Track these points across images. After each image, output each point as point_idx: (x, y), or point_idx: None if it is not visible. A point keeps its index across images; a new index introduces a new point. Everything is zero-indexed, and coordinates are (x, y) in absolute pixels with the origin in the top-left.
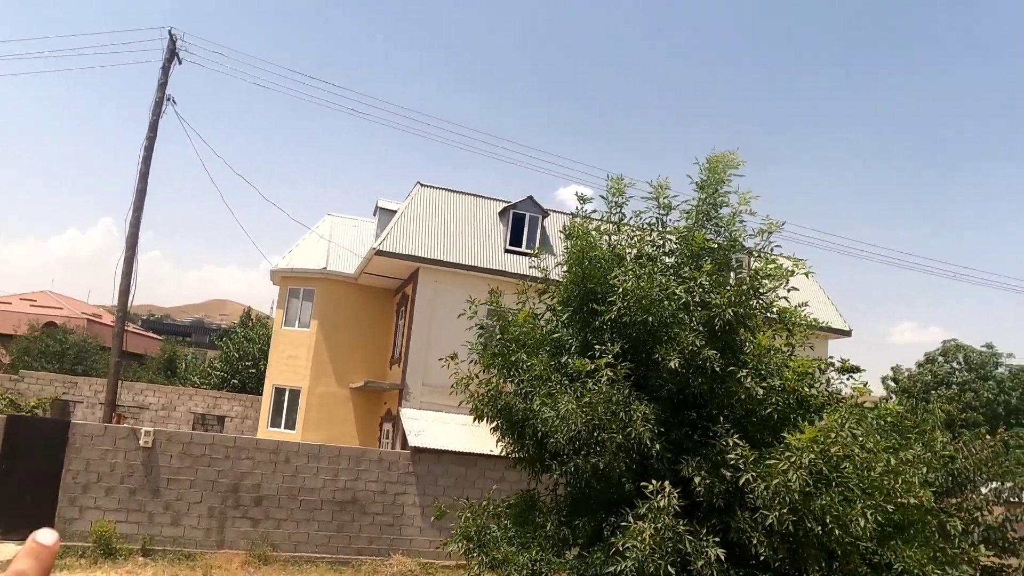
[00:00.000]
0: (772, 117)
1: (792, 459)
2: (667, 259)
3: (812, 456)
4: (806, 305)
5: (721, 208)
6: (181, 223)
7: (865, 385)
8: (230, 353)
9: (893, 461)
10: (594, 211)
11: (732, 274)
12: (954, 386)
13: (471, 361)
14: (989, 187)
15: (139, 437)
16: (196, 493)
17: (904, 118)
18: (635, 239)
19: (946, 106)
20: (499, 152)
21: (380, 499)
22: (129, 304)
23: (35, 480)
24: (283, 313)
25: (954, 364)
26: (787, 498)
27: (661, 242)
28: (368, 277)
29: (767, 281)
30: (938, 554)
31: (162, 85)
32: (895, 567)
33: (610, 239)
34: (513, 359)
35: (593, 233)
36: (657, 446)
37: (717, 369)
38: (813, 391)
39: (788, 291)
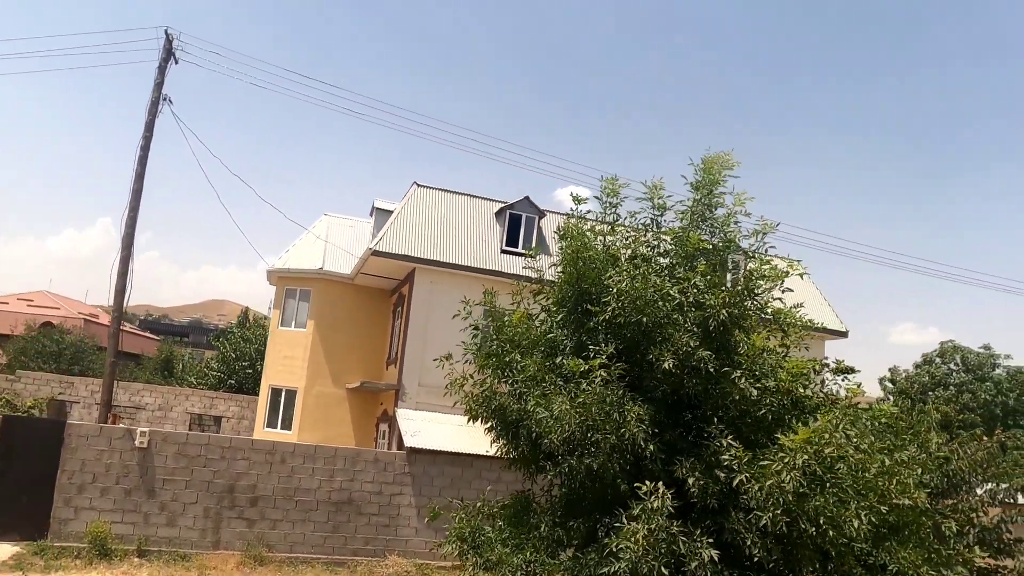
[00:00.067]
0: (772, 117)
1: (786, 460)
2: (662, 260)
3: (806, 457)
4: (801, 306)
5: (716, 209)
6: (180, 223)
7: (859, 386)
8: (227, 353)
9: (888, 462)
10: (588, 211)
11: (728, 275)
12: (951, 387)
13: (466, 361)
14: (988, 188)
15: (135, 437)
16: (192, 494)
17: (903, 119)
18: (630, 240)
19: (945, 107)
20: (497, 153)
21: (376, 500)
22: (125, 304)
23: (31, 480)
24: (279, 313)
25: (951, 365)
26: (781, 499)
27: (656, 243)
28: (364, 277)
29: (762, 282)
30: (933, 555)
31: (158, 85)
32: (890, 568)
33: (605, 240)
34: (507, 360)
35: (588, 234)
36: (651, 447)
37: (711, 370)
38: (808, 392)
39: (783, 292)
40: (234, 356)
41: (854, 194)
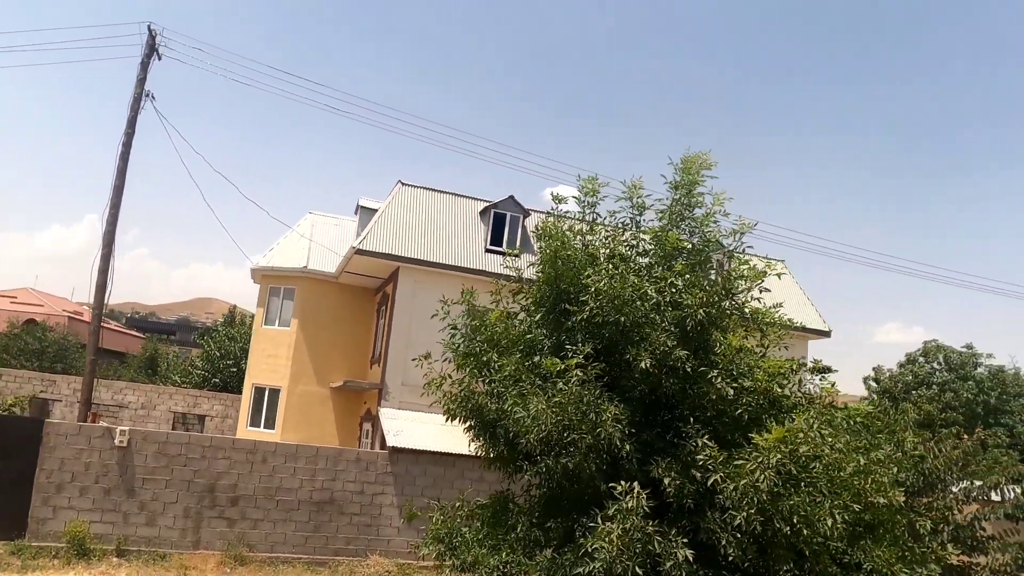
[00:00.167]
0: (762, 119)
1: (760, 459)
2: (641, 259)
3: (779, 456)
4: (780, 306)
5: (695, 208)
6: (168, 221)
7: (833, 385)
8: (211, 352)
9: (863, 461)
10: (567, 212)
11: (713, 274)
12: (934, 386)
13: (445, 360)
14: (975, 190)
15: (114, 436)
16: (172, 493)
17: (892, 121)
18: (609, 239)
19: (934, 110)
20: (485, 152)
21: (358, 499)
22: (106, 301)
23: (8, 480)
24: (263, 312)
25: (934, 364)
26: (755, 498)
27: (635, 242)
28: (349, 276)
29: (740, 282)
30: (907, 553)
31: (140, 81)
32: (864, 567)
33: (584, 239)
34: (485, 359)
35: (567, 233)
36: (627, 447)
37: (688, 370)
38: (785, 392)
39: (761, 292)
40: (219, 354)
41: (844, 195)
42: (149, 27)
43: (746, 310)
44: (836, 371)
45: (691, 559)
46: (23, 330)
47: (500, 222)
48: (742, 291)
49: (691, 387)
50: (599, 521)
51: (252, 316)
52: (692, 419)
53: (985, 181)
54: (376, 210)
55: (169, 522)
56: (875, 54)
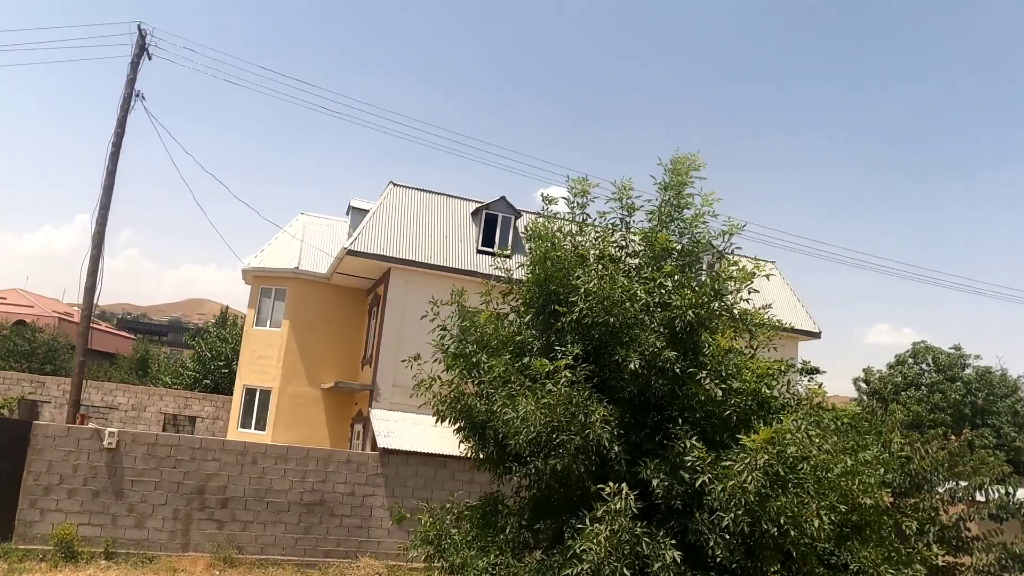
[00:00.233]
0: (757, 121)
1: (747, 460)
2: (631, 261)
3: (767, 457)
4: (769, 307)
5: (684, 210)
6: (161, 222)
7: (821, 386)
8: (203, 353)
9: (851, 462)
10: (557, 213)
11: (703, 275)
12: (923, 387)
13: (435, 361)
14: (967, 194)
15: (103, 438)
16: (161, 495)
17: (886, 125)
18: (598, 240)
19: (927, 114)
20: (478, 154)
21: (348, 501)
22: (95, 302)
23: None
24: (254, 313)
25: (923, 366)
26: (743, 500)
27: (624, 243)
28: (340, 277)
29: (729, 283)
30: (893, 554)
31: (131, 81)
32: (851, 567)
33: (573, 240)
34: (475, 360)
35: (557, 234)
36: (616, 448)
37: (678, 371)
38: (773, 393)
39: (749, 293)
40: (210, 356)
41: (837, 198)
42: (139, 27)
43: (735, 311)
44: (824, 372)
45: (679, 560)
46: (12, 331)
47: (492, 223)
48: (731, 292)
49: (680, 388)
50: (587, 523)
51: (244, 317)
52: (681, 420)
53: (976, 184)
54: (368, 211)
55: (158, 524)
56: (865, 58)
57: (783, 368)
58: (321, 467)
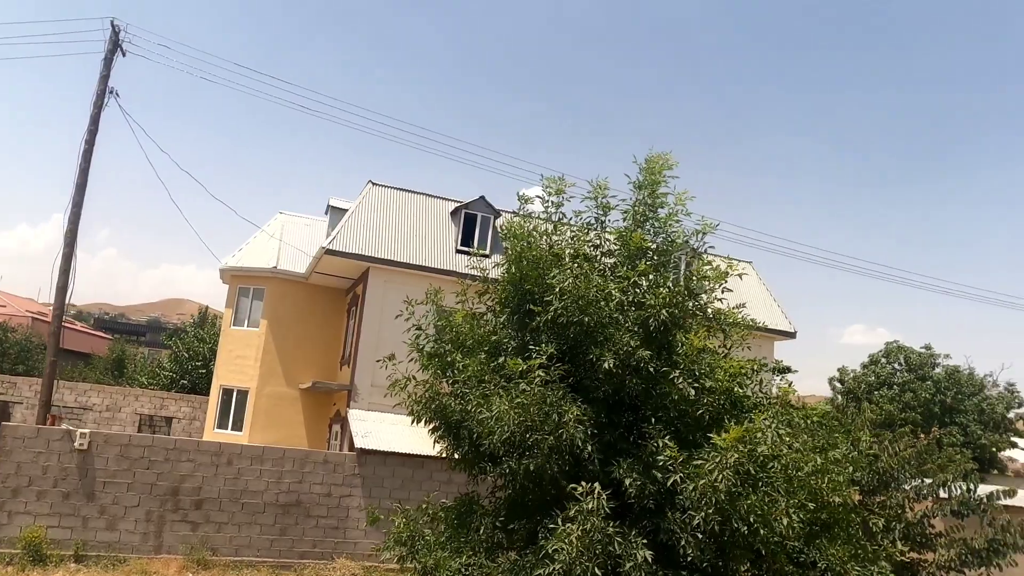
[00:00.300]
0: (739, 124)
1: (718, 459)
2: (607, 260)
3: (737, 456)
4: (743, 306)
5: (659, 209)
6: (140, 221)
7: (791, 384)
8: (180, 353)
9: (820, 460)
10: (531, 213)
11: (677, 274)
12: (895, 387)
13: (411, 360)
14: (940, 196)
15: (74, 439)
16: (134, 496)
17: (864, 128)
18: (574, 239)
19: (902, 118)
20: (457, 154)
21: (325, 502)
22: (68, 301)
23: None
24: (232, 312)
25: (895, 365)
26: (713, 498)
27: (599, 242)
28: (319, 277)
29: (704, 282)
30: (859, 551)
31: (104, 77)
32: (819, 565)
33: (549, 239)
34: (450, 359)
35: (533, 233)
36: (589, 447)
37: (652, 370)
38: (747, 392)
39: (723, 292)
40: (187, 356)
41: (815, 200)
42: (112, 23)
43: (709, 311)
44: (796, 371)
45: (650, 560)
46: None
47: (471, 223)
48: (705, 291)
49: (654, 387)
50: (560, 523)
51: (223, 317)
52: (654, 419)
53: (948, 187)
54: (347, 210)
55: (130, 526)
56: (842, 63)
57: (756, 367)
58: (297, 468)
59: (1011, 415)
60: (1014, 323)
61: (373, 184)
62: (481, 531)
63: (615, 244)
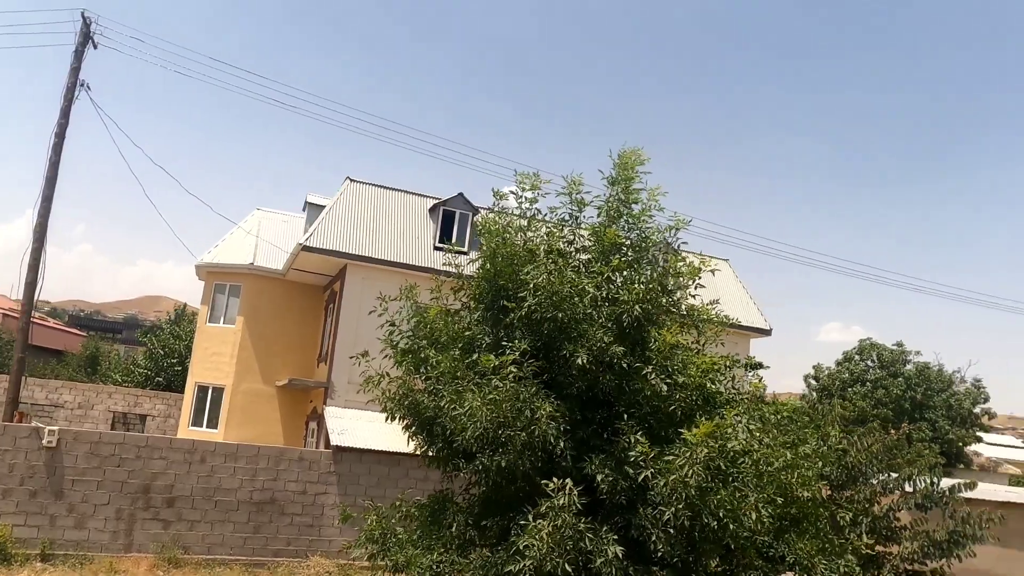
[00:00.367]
0: (725, 123)
1: (688, 455)
2: (581, 256)
3: (707, 451)
4: (717, 303)
5: (633, 205)
6: (116, 216)
7: (761, 380)
8: (155, 350)
9: (790, 456)
10: (506, 209)
11: (650, 270)
12: (868, 383)
13: (386, 357)
14: (922, 197)
15: (42, 436)
16: (103, 495)
17: (847, 128)
18: (548, 235)
19: (883, 118)
20: (436, 150)
21: (300, 499)
22: (37, 297)
23: None
24: (207, 309)
25: (868, 362)
26: (684, 494)
27: (573, 238)
28: (296, 273)
29: (678, 278)
30: (827, 545)
31: (75, 69)
32: (788, 559)
33: (524, 235)
34: (423, 356)
35: (508, 229)
36: (562, 444)
37: (625, 366)
38: (719, 388)
39: (696, 288)
40: (163, 353)
41: (818, 201)
42: (83, 14)
43: (683, 307)
44: (768, 367)
45: (621, 556)
46: None
47: (449, 220)
48: (679, 288)
49: (627, 383)
50: (531, 519)
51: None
52: (627, 415)
53: (948, 187)
54: (324, 206)
55: (100, 524)
56: (842, 63)
57: (728, 363)
58: (272, 465)
59: (977, 410)
60: (986, 320)
61: (351, 181)
62: (454, 528)
63: (589, 240)
